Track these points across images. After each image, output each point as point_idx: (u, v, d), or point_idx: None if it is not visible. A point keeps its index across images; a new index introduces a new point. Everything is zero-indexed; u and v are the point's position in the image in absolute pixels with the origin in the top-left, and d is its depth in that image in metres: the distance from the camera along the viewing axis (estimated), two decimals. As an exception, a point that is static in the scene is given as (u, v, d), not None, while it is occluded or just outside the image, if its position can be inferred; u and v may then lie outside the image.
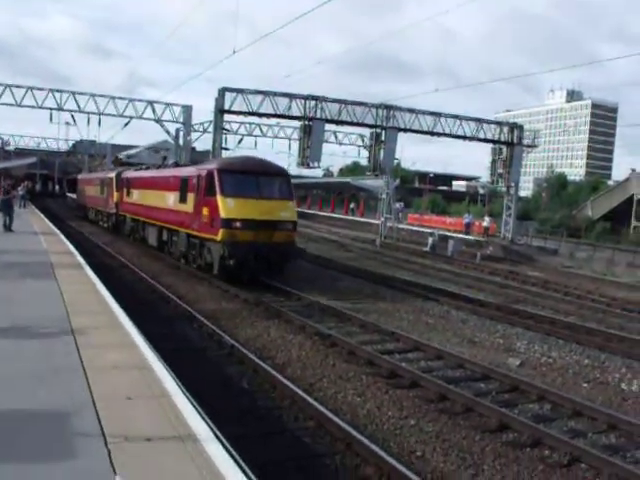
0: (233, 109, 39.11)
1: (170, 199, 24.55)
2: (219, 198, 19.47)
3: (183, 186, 23.00)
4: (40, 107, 42.09)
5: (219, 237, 19.27)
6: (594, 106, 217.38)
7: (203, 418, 6.40)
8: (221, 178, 19.85)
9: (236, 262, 19.14)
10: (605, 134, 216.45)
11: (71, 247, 22.33)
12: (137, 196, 31.27)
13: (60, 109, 42.92)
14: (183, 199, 22.80)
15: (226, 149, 41.15)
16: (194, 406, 6.74)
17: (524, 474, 7.81)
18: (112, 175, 38.52)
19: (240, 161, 21.89)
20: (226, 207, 19.28)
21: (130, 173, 34.79)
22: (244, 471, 5.29)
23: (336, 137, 55.39)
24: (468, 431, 9.07)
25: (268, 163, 21.72)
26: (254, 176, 20.14)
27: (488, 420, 9.47)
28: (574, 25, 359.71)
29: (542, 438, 8.75)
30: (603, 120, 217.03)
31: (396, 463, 7.50)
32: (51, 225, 33.01)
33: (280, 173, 21.42)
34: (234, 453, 5.68)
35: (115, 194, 36.56)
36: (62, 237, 26.28)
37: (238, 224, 19.04)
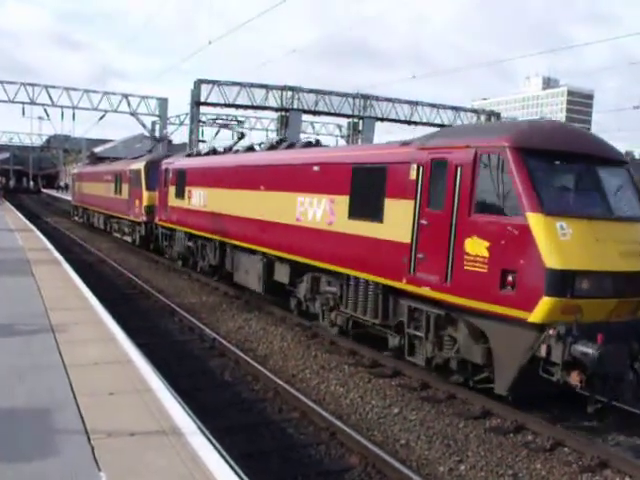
0: (209, 101, 39.00)
1: (313, 210, 12.96)
2: (537, 220, 8.38)
3: (364, 185, 11.47)
4: (12, 101, 41.65)
5: (536, 315, 8.18)
6: (570, 93, 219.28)
7: (187, 412, 6.37)
8: (529, 169, 8.77)
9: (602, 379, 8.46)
10: (581, 121, 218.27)
11: (48, 243, 22.09)
12: (207, 199, 18.83)
13: (33, 103, 42.54)
14: (371, 213, 11.13)
15: (203, 141, 40.90)
16: (177, 400, 6.70)
17: (508, 459, 7.86)
18: (139, 166, 27.14)
19: (553, 131, 9.82)
20: (556, 243, 8.27)
21: (186, 161, 21.90)
22: (229, 463, 5.27)
23: (313, 127, 55.45)
24: (452, 418, 9.11)
25: (598, 139, 10.14)
26: (591, 167, 9.28)
27: (471, 407, 9.52)
28: (547, 6, 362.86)
29: (525, 423, 8.81)
30: (579, 107, 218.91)
31: (380, 452, 7.52)
32: (27, 222, 32.64)
33: (623, 159, 10.23)
34: (218, 446, 5.65)
35: (146, 194, 25.40)
36: (39, 234, 25.99)
37: (586, 284, 8.29)
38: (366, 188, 11.44)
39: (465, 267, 9.15)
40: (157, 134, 45.97)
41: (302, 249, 13.32)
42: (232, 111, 46.66)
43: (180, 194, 20.96)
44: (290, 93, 39.72)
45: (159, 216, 23.33)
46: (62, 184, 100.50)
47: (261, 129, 56.80)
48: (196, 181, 19.89)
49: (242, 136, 23.44)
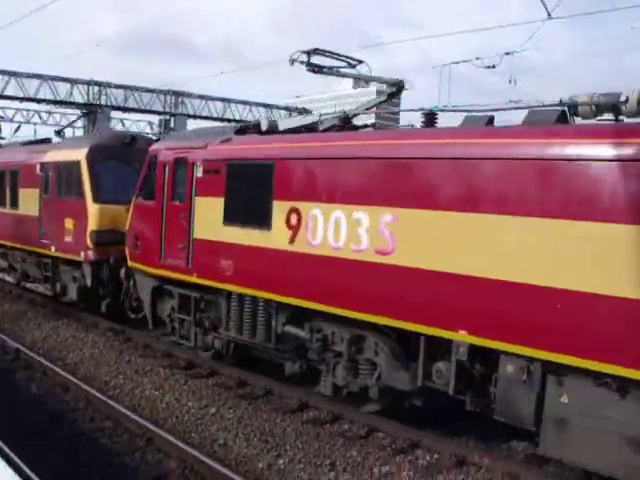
0: (6, 94, 36.49)
1: None
2: None
3: None
4: None
5: None
6: (379, 92, 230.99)
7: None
8: None
9: None
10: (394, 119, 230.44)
11: None
12: (395, 235, 7.71)
13: None
14: None
15: (2, 138, 38.22)
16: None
17: (325, 449, 8.04)
18: (75, 157, 14.64)
19: None
20: None
21: (280, 143, 10.00)
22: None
23: (124, 125, 53.56)
24: (269, 414, 9.17)
25: None
26: None
27: (288, 401, 9.65)
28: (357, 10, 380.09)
29: (342, 414, 9.05)
30: (389, 106, 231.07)
31: (197, 453, 7.44)
32: None
33: None
34: (25, 468, 5.31)
35: (94, 210, 14.07)
36: None
37: None
38: None
39: None
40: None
41: None
42: (33, 106, 44.08)
43: (249, 216, 9.90)
44: (97, 88, 38.16)
45: (149, 258, 11.90)
46: None
47: (67, 126, 54.18)
48: (325, 191, 8.78)
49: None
